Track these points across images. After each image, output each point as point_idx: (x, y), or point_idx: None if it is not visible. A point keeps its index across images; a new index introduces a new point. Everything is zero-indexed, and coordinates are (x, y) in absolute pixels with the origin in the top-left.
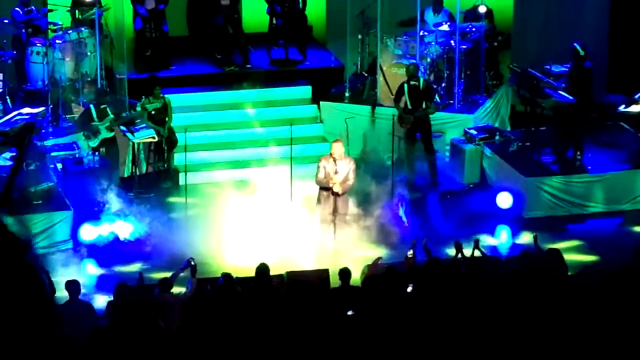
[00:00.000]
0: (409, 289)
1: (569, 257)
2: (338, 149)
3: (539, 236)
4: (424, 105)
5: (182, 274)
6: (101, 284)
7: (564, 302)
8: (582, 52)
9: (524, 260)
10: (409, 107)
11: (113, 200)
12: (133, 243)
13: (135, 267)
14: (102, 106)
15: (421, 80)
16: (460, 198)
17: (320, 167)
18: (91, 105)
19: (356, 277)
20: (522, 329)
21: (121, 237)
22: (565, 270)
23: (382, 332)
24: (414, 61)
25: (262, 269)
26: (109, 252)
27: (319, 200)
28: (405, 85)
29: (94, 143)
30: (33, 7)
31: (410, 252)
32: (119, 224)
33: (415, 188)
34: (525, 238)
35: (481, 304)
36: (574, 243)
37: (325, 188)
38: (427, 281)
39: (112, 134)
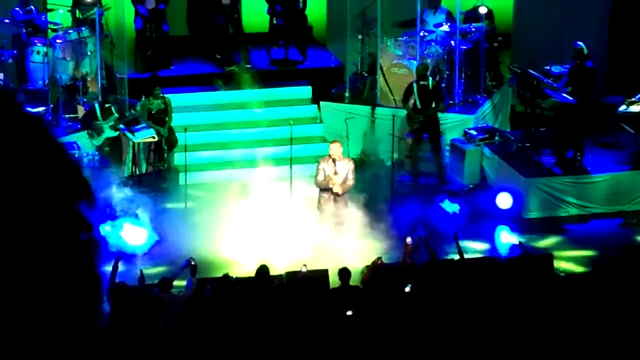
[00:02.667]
0: (407, 289)
1: (568, 258)
2: (336, 149)
3: (523, 242)
4: (433, 105)
5: (181, 274)
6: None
7: (557, 302)
8: (586, 51)
9: (524, 261)
10: (418, 106)
11: (114, 200)
12: (132, 242)
13: (135, 266)
14: (107, 105)
15: (430, 80)
16: (461, 198)
17: (320, 169)
18: (96, 104)
19: (356, 277)
20: (518, 328)
21: (121, 237)
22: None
23: (381, 331)
24: (426, 61)
25: (263, 269)
26: (109, 251)
27: (319, 202)
28: (415, 85)
29: (98, 142)
30: (33, 7)
31: (409, 239)
32: (119, 223)
33: (419, 187)
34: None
35: (478, 304)
36: (573, 244)
37: (325, 190)
38: (425, 281)
39: (116, 133)
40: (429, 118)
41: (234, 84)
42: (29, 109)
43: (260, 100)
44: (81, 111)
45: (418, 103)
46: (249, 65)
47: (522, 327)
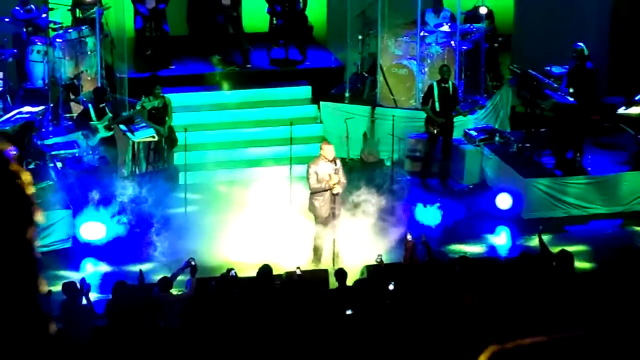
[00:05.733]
0: (391, 287)
1: None
2: (332, 150)
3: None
4: (454, 110)
5: (181, 274)
6: (101, 283)
7: (562, 301)
8: (586, 52)
9: (524, 261)
10: (437, 109)
11: (113, 199)
12: (132, 242)
13: (134, 266)
14: (101, 105)
15: (450, 83)
16: (461, 198)
17: (312, 174)
18: (89, 105)
19: (353, 277)
20: (517, 327)
21: (120, 236)
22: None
23: (379, 331)
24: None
25: (265, 269)
26: (108, 250)
27: (312, 205)
28: (436, 88)
29: (93, 142)
30: (33, 6)
31: (409, 236)
32: (118, 223)
33: (427, 188)
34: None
35: (476, 304)
36: (573, 244)
37: (319, 192)
38: (423, 280)
39: (110, 133)
40: (447, 121)
41: (234, 84)
42: None
43: (260, 100)
44: (76, 110)
45: (437, 106)
46: (249, 65)
47: (521, 326)
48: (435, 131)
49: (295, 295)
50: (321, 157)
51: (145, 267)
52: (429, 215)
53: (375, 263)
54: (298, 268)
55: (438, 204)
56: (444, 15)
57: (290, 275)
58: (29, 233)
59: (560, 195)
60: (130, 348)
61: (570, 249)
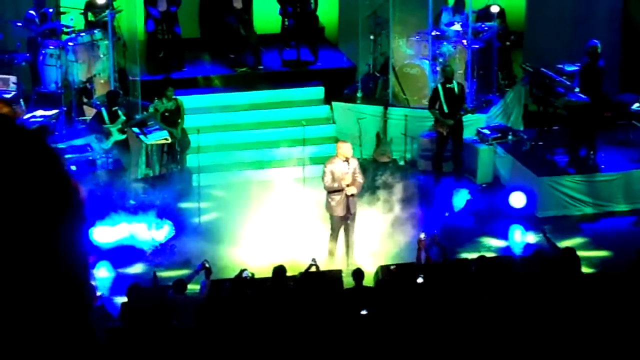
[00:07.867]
0: (420, 280)
1: (582, 256)
2: (349, 148)
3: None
4: (462, 110)
5: (196, 276)
6: (115, 285)
7: (576, 301)
8: (600, 50)
9: (538, 259)
10: (445, 110)
11: (126, 202)
12: (147, 244)
13: (149, 268)
14: (114, 108)
15: (454, 83)
16: (475, 197)
17: (327, 172)
18: (102, 108)
19: (369, 278)
20: (532, 327)
21: (135, 239)
22: (579, 268)
23: (395, 331)
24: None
25: (279, 269)
26: (122, 253)
27: (328, 204)
28: (441, 89)
29: (106, 145)
30: (47, 10)
31: (422, 235)
32: (132, 226)
33: (434, 185)
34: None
35: (492, 303)
36: (587, 242)
37: (335, 192)
38: (438, 280)
39: (124, 136)
40: (457, 122)
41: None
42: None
43: (273, 101)
44: (89, 113)
45: (445, 107)
46: (261, 67)
47: (537, 326)
48: (444, 133)
49: (310, 295)
50: (338, 156)
51: (159, 269)
52: (459, 196)
53: (389, 267)
54: (314, 260)
55: (467, 190)
56: (460, 15)
57: (306, 271)
58: (69, 227)
59: (573, 193)
60: (144, 349)
61: (585, 247)
